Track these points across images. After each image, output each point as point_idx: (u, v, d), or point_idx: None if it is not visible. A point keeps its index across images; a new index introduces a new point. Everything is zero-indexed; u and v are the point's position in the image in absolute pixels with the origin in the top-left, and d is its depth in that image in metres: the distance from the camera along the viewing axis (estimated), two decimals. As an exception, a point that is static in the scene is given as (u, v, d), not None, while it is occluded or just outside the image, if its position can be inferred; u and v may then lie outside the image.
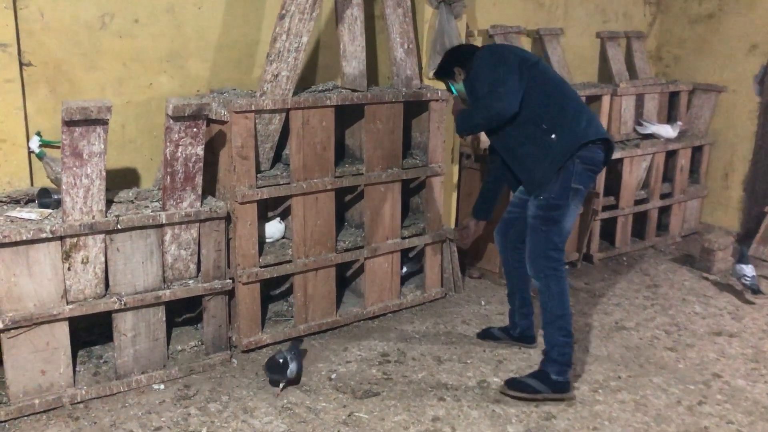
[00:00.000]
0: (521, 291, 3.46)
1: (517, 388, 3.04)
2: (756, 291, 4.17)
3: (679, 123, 5.16)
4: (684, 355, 3.50)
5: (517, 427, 2.84)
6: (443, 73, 3.30)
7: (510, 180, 3.36)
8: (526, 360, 3.39)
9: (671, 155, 5.16)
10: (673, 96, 5.38)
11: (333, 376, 3.19)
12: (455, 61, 3.23)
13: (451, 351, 3.48)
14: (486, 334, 3.61)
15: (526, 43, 4.79)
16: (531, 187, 3.07)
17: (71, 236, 2.78)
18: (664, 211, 5.28)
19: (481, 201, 3.57)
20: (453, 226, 4.33)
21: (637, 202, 5.02)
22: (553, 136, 2.96)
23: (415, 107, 3.80)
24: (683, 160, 5.22)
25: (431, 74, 3.88)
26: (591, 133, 2.98)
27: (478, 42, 4.55)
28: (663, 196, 5.19)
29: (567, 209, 2.98)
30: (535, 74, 3.01)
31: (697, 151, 5.39)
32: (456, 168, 4.28)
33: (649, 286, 4.43)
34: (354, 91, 3.52)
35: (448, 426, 2.83)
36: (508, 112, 2.95)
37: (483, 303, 4.09)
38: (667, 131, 5.02)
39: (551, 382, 3.01)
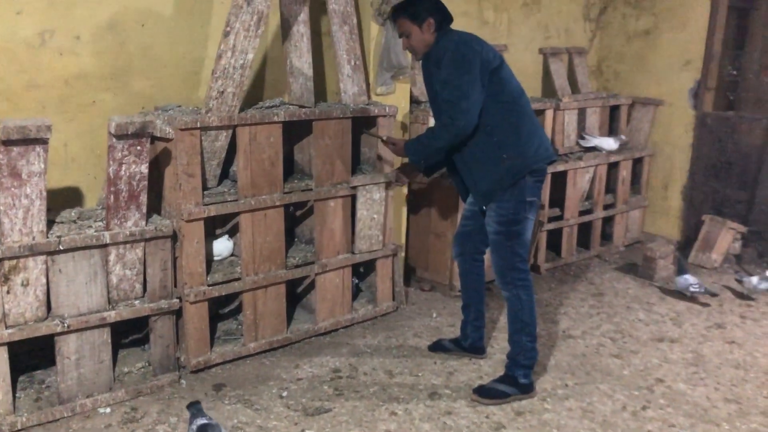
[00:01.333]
0: (477, 303, 3.52)
1: (489, 395, 3.13)
2: (713, 294, 4.35)
3: (622, 136, 5.33)
4: (628, 361, 3.60)
5: (467, 438, 2.87)
6: (413, 12, 3.05)
7: (458, 183, 3.36)
8: (476, 371, 3.43)
9: (613, 167, 5.32)
10: (614, 109, 5.56)
11: (284, 393, 3.17)
12: (434, 11, 3.06)
13: (403, 364, 3.50)
14: (437, 346, 3.64)
15: (471, 59, 4.88)
16: (476, 195, 3.16)
17: (10, 258, 2.70)
18: (608, 221, 5.43)
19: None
20: (404, 240, 4.37)
21: (582, 213, 5.15)
22: (504, 155, 3.00)
23: (363, 122, 3.83)
24: (625, 172, 5.38)
25: (377, 91, 3.93)
26: (541, 157, 3.07)
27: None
28: (606, 207, 5.34)
29: (526, 221, 3.07)
30: (495, 82, 3.00)
31: (637, 162, 5.57)
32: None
33: (595, 295, 4.54)
34: (302, 107, 3.53)
35: (400, 440, 2.85)
36: (470, 128, 2.96)
37: (434, 315, 4.13)
38: (609, 144, 5.18)
39: (519, 385, 3.16)
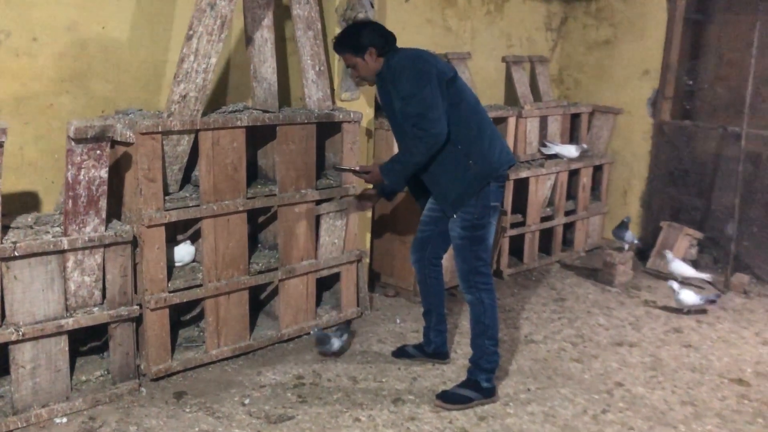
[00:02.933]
0: (438, 308, 3.53)
1: (452, 400, 3.14)
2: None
3: (583, 144, 5.43)
4: (589, 365, 3.65)
5: (431, 443, 2.88)
6: (353, 45, 3.07)
7: (417, 192, 3.39)
8: (439, 376, 3.45)
9: (574, 174, 5.41)
10: (575, 117, 5.65)
11: (246, 401, 3.14)
12: (374, 38, 3.07)
13: (367, 370, 3.49)
14: (401, 353, 3.65)
15: (435, 66, 4.91)
16: (444, 205, 3.16)
17: (-37, 265, 2.63)
18: (569, 227, 5.52)
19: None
20: (368, 246, 4.37)
21: (543, 219, 5.22)
22: (470, 161, 3.04)
23: (327, 128, 3.83)
24: (585, 179, 5.48)
25: (341, 96, 3.94)
26: (504, 161, 3.14)
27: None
28: (567, 213, 5.42)
29: (489, 226, 3.13)
30: (452, 92, 3.04)
31: (597, 169, 5.68)
32: (370, 187, 4.31)
33: (556, 300, 4.61)
34: (265, 111, 3.51)
35: (364, 446, 2.84)
36: (444, 135, 2.96)
37: (398, 321, 4.13)
38: (570, 151, 5.26)
39: (482, 389, 3.18)
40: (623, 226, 5.09)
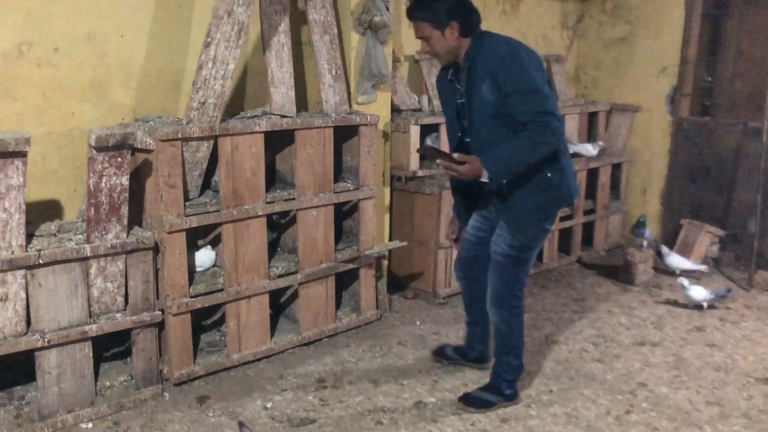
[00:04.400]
0: (483, 320, 3.35)
1: (474, 404, 3.11)
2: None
3: (600, 143, 5.39)
4: (611, 366, 3.62)
5: (453, 446, 2.88)
6: (434, 14, 2.71)
7: (463, 208, 3.22)
8: (460, 379, 3.44)
9: (593, 173, 5.37)
10: (592, 116, 5.62)
11: (269, 405, 3.15)
12: (460, 12, 2.72)
13: (388, 373, 3.49)
14: (440, 353, 3.59)
15: (451, 67, 4.91)
16: (506, 219, 2.91)
17: (-11, 273, 2.67)
18: (588, 226, 5.48)
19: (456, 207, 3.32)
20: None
21: (563, 219, 5.19)
22: (552, 182, 2.83)
23: (345, 132, 3.84)
24: (604, 178, 5.44)
25: (358, 100, 3.94)
26: (575, 190, 2.99)
27: (404, 68, 4.65)
28: (586, 212, 5.39)
29: (536, 249, 2.99)
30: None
31: (616, 168, 5.63)
32: (387, 190, 4.33)
33: (577, 300, 4.58)
34: (283, 116, 3.52)
35: (386, 449, 2.84)
36: (562, 137, 2.76)
37: (418, 323, 4.13)
38: (588, 150, 5.23)
39: (504, 395, 3.15)
40: (640, 224, 5.07)
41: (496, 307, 3.03)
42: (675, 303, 4.50)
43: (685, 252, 5.16)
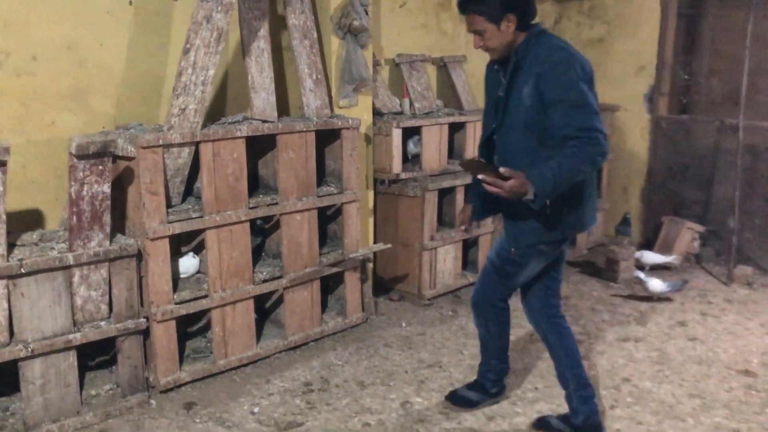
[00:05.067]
0: (501, 351, 3.13)
1: (460, 402, 3.14)
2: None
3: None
4: (595, 362, 3.66)
5: (441, 445, 2.89)
6: (490, 6, 2.50)
7: (475, 196, 2.95)
8: (446, 378, 3.46)
9: (574, 172, 5.41)
10: (573, 116, 5.66)
11: (255, 410, 3.15)
12: (518, 4, 2.52)
13: (374, 375, 3.51)
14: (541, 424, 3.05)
15: (431, 71, 4.95)
16: (508, 229, 2.77)
17: (-30, 284, 2.65)
18: (571, 225, 5.52)
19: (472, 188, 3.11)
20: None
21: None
22: (565, 206, 2.59)
23: (327, 136, 3.85)
24: (585, 177, 5.48)
25: (339, 103, 3.96)
26: (591, 220, 2.77)
27: (385, 72, 4.68)
28: (569, 212, 5.42)
29: (526, 267, 2.75)
30: None
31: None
32: (371, 193, 4.35)
33: (561, 298, 4.60)
34: (264, 121, 3.53)
35: (374, 450, 2.86)
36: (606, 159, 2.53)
37: (404, 325, 4.15)
38: (569, 150, 5.27)
39: (489, 393, 3.16)
40: (626, 221, 5.13)
41: (474, 307, 3.02)
42: (658, 299, 4.55)
43: (666, 249, 5.22)
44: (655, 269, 5.02)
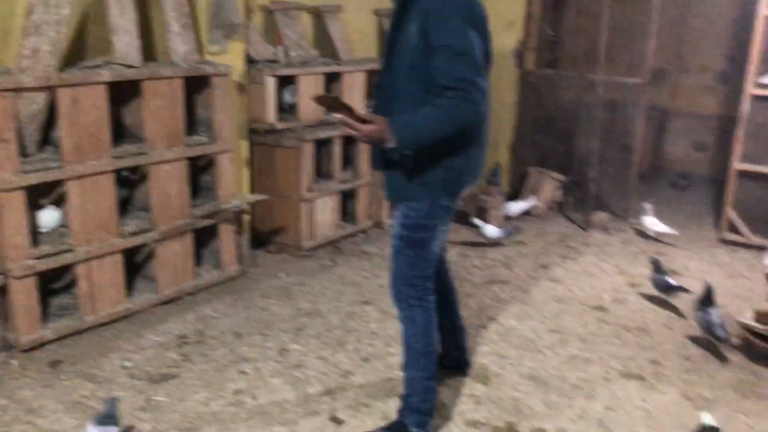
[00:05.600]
0: (445, 320, 2.89)
1: None
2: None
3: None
4: (465, 303, 3.84)
5: (317, 387, 2.96)
6: None
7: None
8: (325, 325, 3.52)
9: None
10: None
11: (127, 364, 3.07)
12: None
13: (251, 325, 3.50)
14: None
15: (306, 20, 4.87)
16: (388, 186, 2.51)
17: None
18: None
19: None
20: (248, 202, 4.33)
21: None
22: (453, 154, 2.38)
23: (196, 83, 3.72)
24: (459, 129, 5.66)
25: (210, 49, 3.83)
26: (481, 170, 2.57)
27: (258, 19, 4.56)
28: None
29: (435, 230, 2.47)
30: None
31: (470, 120, 5.88)
32: (246, 144, 4.27)
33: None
34: (128, 66, 3.36)
35: (250, 396, 2.87)
36: (483, 116, 2.32)
37: (283, 276, 4.15)
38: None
39: None
40: (496, 171, 5.37)
41: (395, 299, 2.56)
42: (524, 244, 4.82)
43: (532, 198, 5.53)
44: (523, 216, 5.33)
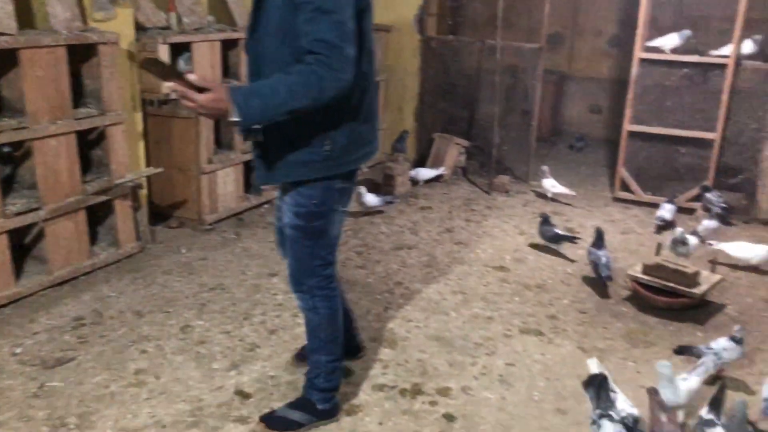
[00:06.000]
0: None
1: (279, 426, 2.50)
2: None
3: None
4: (372, 270, 3.88)
5: (222, 362, 2.91)
6: None
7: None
8: (229, 299, 3.46)
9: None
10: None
11: (18, 350, 2.92)
12: None
13: (152, 303, 3.40)
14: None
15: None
16: (260, 169, 2.26)
17: None
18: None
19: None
20: (144, 177, 4.17)
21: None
22: (337, 132, 2.16)
23: (82, 52, 3.51)
24: (363, 96, 5.64)
25: (94, 16, 3.63)
26: (375, 148, 2.36)
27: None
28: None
29: (333, 215, 2.31)
30: (361, 27, 2.11)
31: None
32: (139, 116, 4.08)
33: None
34: (2, 34, 3.12)
35: (152, 375, 2.79)
36: (349, 86, 2.04)
37: (184, 251, 4.04)
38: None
39: (317, 411, 2.53)
40: (402, 139, 5.40)
41: (296, 291, 2.43)
42: (429, 210, 4.89)
43: (437, 163, 5.60)
44: (430, 182, 5.40)
